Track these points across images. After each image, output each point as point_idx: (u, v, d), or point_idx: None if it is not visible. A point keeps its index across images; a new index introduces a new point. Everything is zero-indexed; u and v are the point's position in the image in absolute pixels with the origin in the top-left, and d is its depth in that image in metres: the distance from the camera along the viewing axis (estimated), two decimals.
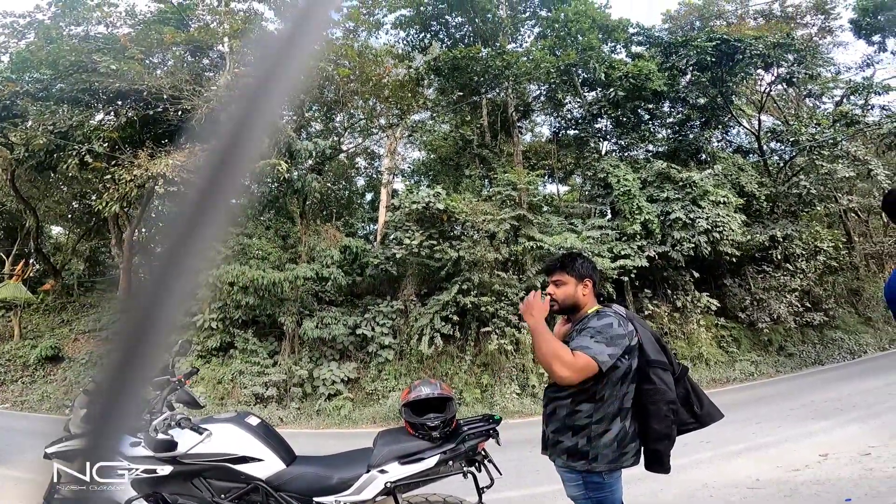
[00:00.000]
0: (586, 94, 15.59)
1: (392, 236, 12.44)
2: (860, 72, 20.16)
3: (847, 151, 13.49)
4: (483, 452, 2.55)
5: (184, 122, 12.93)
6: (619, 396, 1.98)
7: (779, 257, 13.52)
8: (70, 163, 12.14)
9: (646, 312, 12.29)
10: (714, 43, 13.32)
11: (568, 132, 17.14)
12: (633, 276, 11.84)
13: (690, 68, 14.31)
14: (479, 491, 2.50)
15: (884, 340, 13.61)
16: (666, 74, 14.00)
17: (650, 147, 15.75)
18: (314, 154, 11.56)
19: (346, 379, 10.55)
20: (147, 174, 11.11)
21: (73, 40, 12.57)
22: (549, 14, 15.35)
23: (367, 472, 2.42)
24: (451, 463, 2.49)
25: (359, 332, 11.12)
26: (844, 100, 17.28)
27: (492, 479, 2.51)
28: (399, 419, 9.31)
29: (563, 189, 19.97)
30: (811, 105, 18.70)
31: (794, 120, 16.31)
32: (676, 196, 12.41)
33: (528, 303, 2.14)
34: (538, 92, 16.51)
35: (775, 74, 15.08)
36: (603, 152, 15.56)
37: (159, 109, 12.72)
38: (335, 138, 13.12)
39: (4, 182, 15.88)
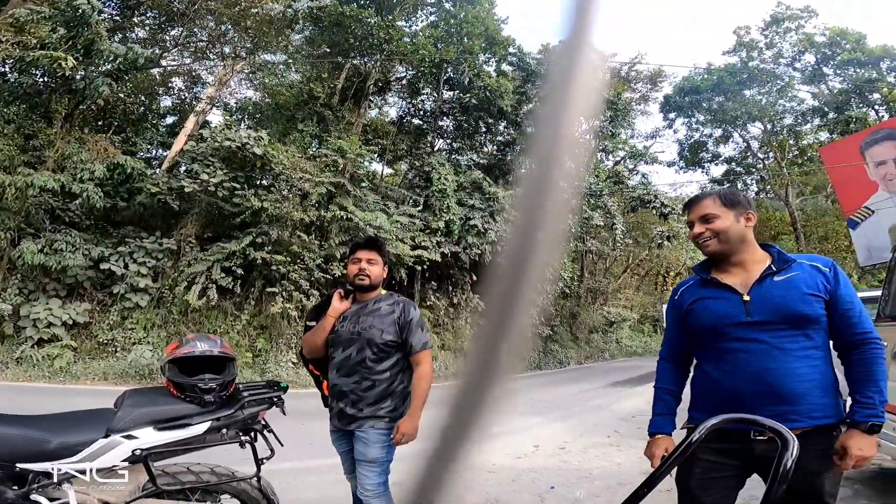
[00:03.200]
0: (445, 91, 16.09)
1: (186, 167, 10.55)
2: (646, 140, 25.82)
3: (605, 204, 17.07)
4: (263, 422, 2.36)
5: None
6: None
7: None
8: None
9: (428, 303, 13.36)
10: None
11: (413, 120, 17.39)
12: (425, 267, 12.70)
13: (536, 98, 16.10)
14: (258, 462, 2.28)
15: (582, 356, 18.03)
16: (516, 98, 15.43)
17: (475, 157, 17.16)
18: (120, 60, 9.54)
19: (71, 322, 8.37)
20: None
21: None
22: (452, 8, 15.30)
23: (107, 436, 1.99)
24: (225, 431, 2.21)
25: (105, 266, 8.95)
26: (622, 161, 21.84)
27: (272, 450, 2.32)
28: (152, 379, 7.91)
29: (388, 171, 20.17)
30: (599, 157, 23.01)
31: (584, 168, 19.92)
32: (481, 206, 13.81)
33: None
34: (403, 74, 16.32)
35: (590, 124, 18.08)
36: (435, 148, 16.28)
37: None
38: (158, 51, 10.60)
39: None
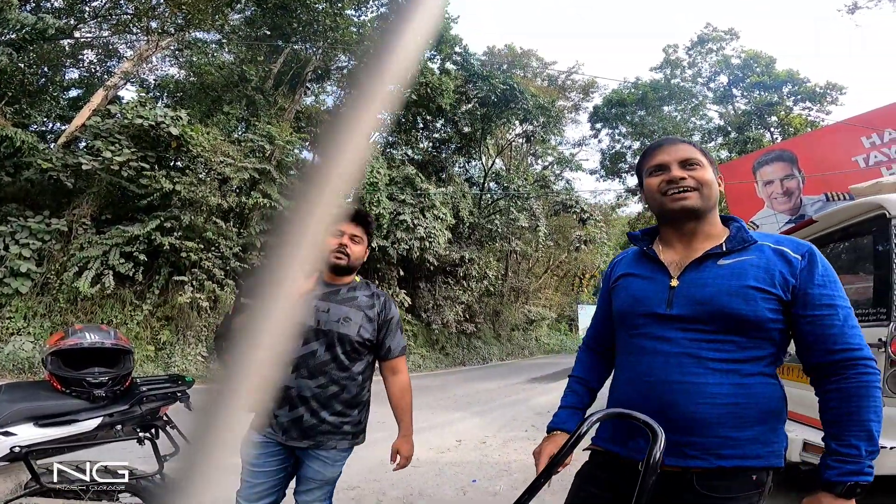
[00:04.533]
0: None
1: (87, 144, 9.53)
2: (573, 148, 26.84)
3: (531, 206, 17.70)
4: (165, 417, 2.26)
5: None
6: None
7: (461, 275, 16.68)
8: None
9: None
10: (505, 86, 15.57)
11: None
12: None
13: (475, 99, 16.27)
14: (160, 459, 2.17)
15: (504, 352, 18.60)
16: (456, 97, 15.51)
17: (409, 152, 17.03)
18: (27, 30, 8.88)
19: None
20: None
21: None
22: (404, 2, 15.05)
23: None
24: (119, 427, 2.13)
25: None
26: (550, 166, 22.63)
27: (176, 447, 2.19)
28: (33, 373, 7.02)
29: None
30: (529, 161, 23.69)
31: (514, 170, 20.50)
32: (411, 202, 13.74)
33: None
34: (345, 64, 15.88)
35: (524, 129, 18.62)
36: (370, 141, 15.94)
37: None
38: (74, 21, 9.88)
39: None
